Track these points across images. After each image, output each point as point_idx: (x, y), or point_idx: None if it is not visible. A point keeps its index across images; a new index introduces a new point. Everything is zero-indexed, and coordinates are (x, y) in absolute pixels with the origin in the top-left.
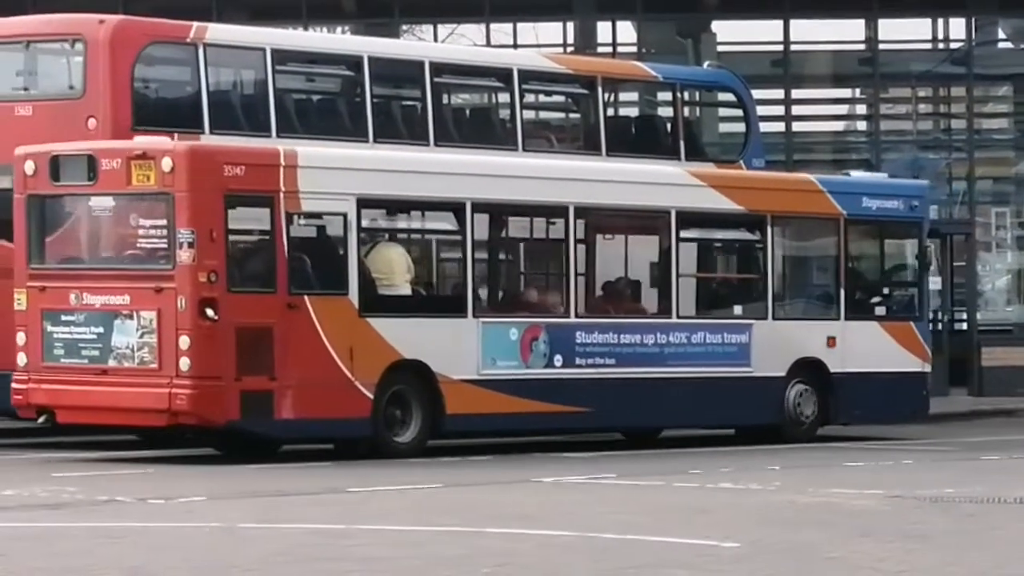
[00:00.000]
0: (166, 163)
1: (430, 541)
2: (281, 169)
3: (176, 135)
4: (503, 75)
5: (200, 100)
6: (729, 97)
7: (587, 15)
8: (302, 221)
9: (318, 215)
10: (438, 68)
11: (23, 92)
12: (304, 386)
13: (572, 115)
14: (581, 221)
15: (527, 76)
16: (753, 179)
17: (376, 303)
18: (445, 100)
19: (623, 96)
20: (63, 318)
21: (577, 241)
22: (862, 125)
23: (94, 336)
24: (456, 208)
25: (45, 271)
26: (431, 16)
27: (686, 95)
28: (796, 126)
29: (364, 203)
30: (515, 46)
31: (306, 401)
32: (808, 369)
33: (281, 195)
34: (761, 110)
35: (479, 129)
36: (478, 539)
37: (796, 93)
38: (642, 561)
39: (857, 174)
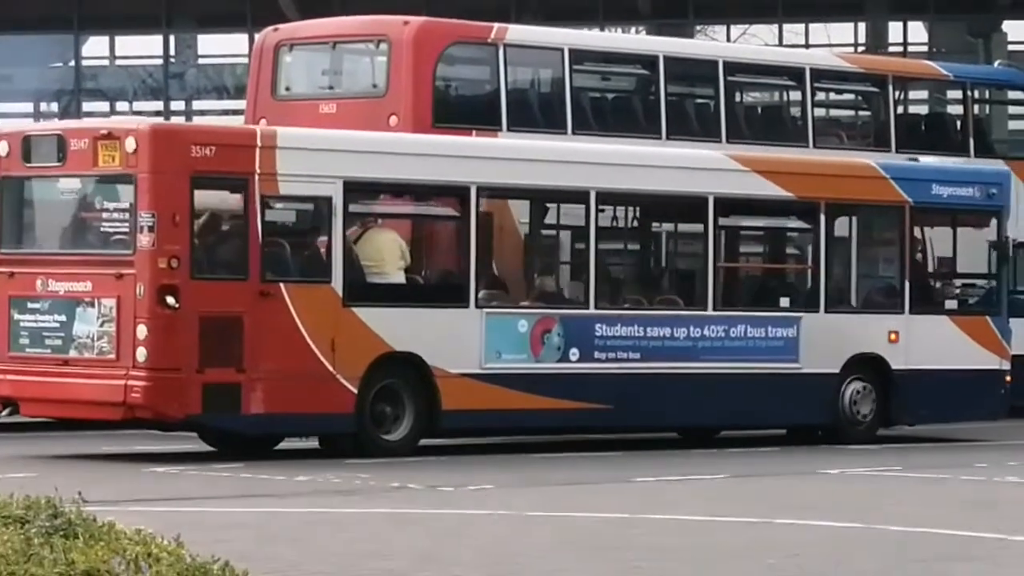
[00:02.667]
0: (130, 143)
1: (717, 530)
2: (257, 150)
3: (474, 132)
4: (795, 74)
5: (498, 98)
6: (1019, 95)
7: (879, 15)
8: (279, 205)
9: (299, 199)
10: (731, 67)
11: (328, 91)
12: (277, 379)
13: (863, 113)
14: (604, 207)
15: (819, 75)
16: (805, 164)
17: (363, 292)
18: (737, 98)
19: (913, 94)
20: (29, 305)
21: (599, 228)
22: None
23: (57, 325)
24: (460, 193)
25: (15, 256)
26: (724, 16)
27: (976, 93)
28: None
29: (352, 186)
30: (807, 46)
31: (279, 395)
32: (867, 365)
33: (256, 177)
34: None
35: (770, 126)
36: (765, 529)
37: None
38: (929, 554)
39: (927, 159)
